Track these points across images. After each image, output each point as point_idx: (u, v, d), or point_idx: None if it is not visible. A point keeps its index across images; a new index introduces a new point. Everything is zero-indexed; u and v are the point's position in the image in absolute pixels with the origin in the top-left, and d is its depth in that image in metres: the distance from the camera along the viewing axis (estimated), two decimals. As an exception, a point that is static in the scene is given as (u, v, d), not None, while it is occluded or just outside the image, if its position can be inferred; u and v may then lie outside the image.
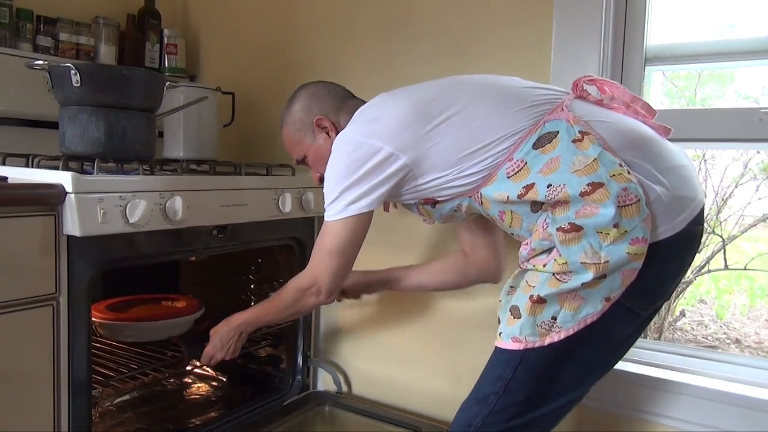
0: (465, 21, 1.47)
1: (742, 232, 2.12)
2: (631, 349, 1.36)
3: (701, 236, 1.01)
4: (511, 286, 1.05)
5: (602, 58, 1.29)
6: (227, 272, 1.82)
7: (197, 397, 1.65)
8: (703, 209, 0.99)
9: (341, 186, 1.08)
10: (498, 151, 1.01)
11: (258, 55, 1.86)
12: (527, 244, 1.02)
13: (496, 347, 1.02)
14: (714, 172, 2.13)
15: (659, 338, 2.16)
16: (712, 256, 2.12)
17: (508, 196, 1.00)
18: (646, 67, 1.34)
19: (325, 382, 1.74)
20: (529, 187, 0.98)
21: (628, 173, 0.93)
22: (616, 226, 0.91)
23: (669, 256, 0.97)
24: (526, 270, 1.03)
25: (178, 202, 1.18)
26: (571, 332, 0.95)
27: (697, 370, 1.32)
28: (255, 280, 1.78)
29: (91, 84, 1.15)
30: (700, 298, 2.33)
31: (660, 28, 1.36)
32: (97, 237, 1.07)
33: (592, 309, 0.95)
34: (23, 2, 1.55)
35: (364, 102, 1.20)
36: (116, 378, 1.42)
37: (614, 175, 0.92)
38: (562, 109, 1.01)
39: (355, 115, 1.14)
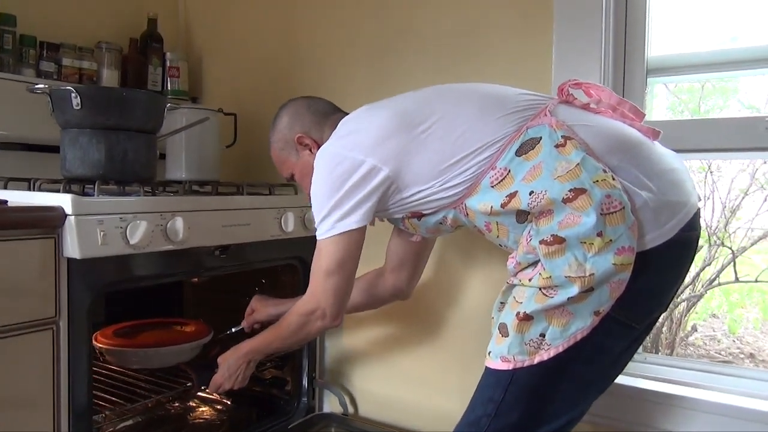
0: (465, 35, 1.48)
1: (752, 244, 2.09)
2: (643, 365, 1.35)
3: (696, 243, 0.98)
4: (501, 302, 1.04)
5: (603, 69, 1.28)
6: (231, 293, 1.80)
7: (201, 421, 1.63)
8: (697, 214, 0.96)
9: (328, 204, 1.06)
10: (481, 160, 0.99)
11: (260, 76, 1.87)
12: (513, 257, 1.00)
13: (486, 367, 0.99)
14: (721, 183, 2.11)
15: (671, 354, 2.12)
16: (722, 269, 2.10)
17: (492, 206, 0.98)
18: (648, 79, 1.34)
19: (331, 404, 1.71)
20: (512, 195, 0.95)
21: (613, 179, 0.91)
22: (600, 235, 0.88)
23: (660, 266, 0.94)
24: (514, 285, 1.00)
25: (179, 223, 1.17)
26: (561, 349, 0.92)
27: (711, 386, 1.29)
28: (259, 301, 1.76)
29: (92, 106, 1.16)
30: (711, 313, 2.29)
31: (661, 40, 1.35)
32: (98, 259, 1.06)
33: (582, 324, 0.92)
34: (26, 28, 1.57)
35: (347, 114, 1.18)
36: (120, 405, 1.40)
37: (597, 180, 0.90)
38: (545, 114, 0.99)
39: (336, 128, 1.13)
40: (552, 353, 0.92)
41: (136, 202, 1.13)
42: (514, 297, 0.98)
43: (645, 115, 1.06)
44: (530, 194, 0.93)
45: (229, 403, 1.71)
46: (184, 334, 1.57)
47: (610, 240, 0.88)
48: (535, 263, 0.96)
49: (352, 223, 1.06)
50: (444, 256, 1.54)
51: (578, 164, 0.91)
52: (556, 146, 0.94)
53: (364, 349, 1.69)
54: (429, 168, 1.02)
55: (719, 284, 2.17)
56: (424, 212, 1.08)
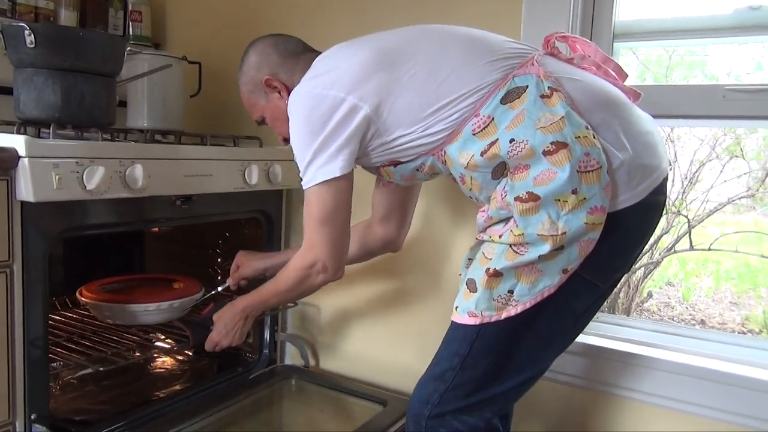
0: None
1: (708, 215, 2.15)
2: (604, 324, 1.39)
3: (663, 207, 1.00)
4: (468, 258, 1.04)
5: (571, 31, 1.28)
6: (194, 246, 1.79)
7: (162, 370, 1.63)
8: (666, 179, 0.97)
9: (310, 149, 1.02)
10: (464, 107, 0.97)
11: (227, 24, 1.81)
12: (484, 211, 1.00)
13: (452, 322, 1.00)
14: (681, 154, 2.15)
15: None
16: (679, 238, 2.16)
17: (473, 156, 0.96)
18: (615, 43, 1.34)
19: (293, 357, 1.73)
20: (493, 143, 0.94)
21: (594, 137, 0.90)
22: (574, 192, 0.88)
23: (628, 227, 0.95)
24: (483, 241, 1.01)
25: (138, 170, 1.14)
26: (528, 306, 0.94)
27: (667, 345, 1.33)
28: (222, 254, 1.75)
29: (47, 45, 1.11)
30: (667, 281, 2.37)
31: (629, 4, 1.36)
32: (53, 203, 1.04)
33: (549, 281, 0.93)
34: (-22, -38, 1.49)
35: (320, 54, 1.13)
36: (80, 353, 1.39)
37: (579, 137, 0.89)
38: (533, 64, 0.97)
39: (310, 68, 1.08)
40: (519, 309, 0.94)
41: (94, 147, 1.10)
42: (483, 253, 0.98)
43: (627, 76, 1.05)
44: (510, 142, 0.91)
45: (190, 354, 1.72)
46: (173, 291, 1.52)
47: (584, 198, 0.88)
48: (506, 219, 0.96)
49: (336, 169, 1.02)
50: (427, 214, 1.54)
51: (563, 117, 0.90)
52: (542, 96, 0.92)
53: (326, 302, 1.70)
54: (410, 112, 0.99)
55: (675, 252, 2.24)
56: (402, 160, 1.07)
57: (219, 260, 1.76)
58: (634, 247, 1.00)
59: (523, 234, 0.91)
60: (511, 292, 0.94)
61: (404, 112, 1.00)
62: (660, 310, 2.34)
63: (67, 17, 1.64)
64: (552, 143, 0.89)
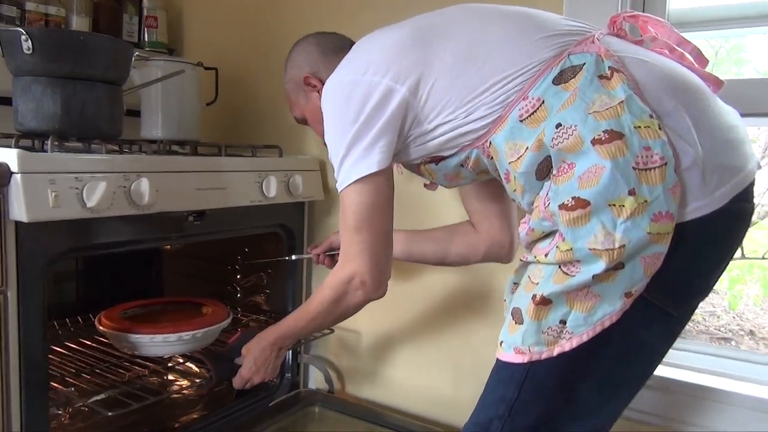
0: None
1: (760, 220, 2.00)
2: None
3: (749, 217, 0.82)
4: (514, 283, 0.90)
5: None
6: (212, 262, 1.70)
7: (178, 396, 1.54)
8: (753, 183, 0.80)
9: (343, 144, 0.91)
10: (510, 88, 0.83)
11: (246, 29, 1.72)
12: (525, 222, 0.86)
13: (497, 360, 0.86)
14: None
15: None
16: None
17: (522, 148, 0.82)
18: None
19: (316, 380, 1.62)
20: (543, 131, 0.80)
21: (659, 128, 0.75)
22: (631, 193, 0.73)
23: (706, 240, 0.79)
24: (528, 262, 0.87)
25: (144, 185, 1.05)
26: (585, 338, 0.78)
27: (735, 374, 1.17)
28: (241, 270, 1.66)
29: (45, 51, 1.02)
30: (711, 288, 2.22)
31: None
32: (49, 223, 0.95)
33: (610, 308, 0.77)
34: (-16, -32, 1.42)
35: None
36: (93, 379, 1.29)
37: (640, 126, 0.74)
38: (593, 42, 0.83)
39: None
40: (575, 343, 0.78)
41: (96, 161, 1.01)
42: (529, 277, 0.84)
43: (708, 61, 0.89)
44: (557, 127, 0.78)
45: (208, 377, 1.62)
46: (201, 317, 1.38)
47: (645, 201, 0.73)
48: (552, 233, 0.82)
49: (373, 164, 0.90)
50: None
51: (622, 102, 0.75)
52: (600, 77, 0.78)
53: (352, 322, 1.57)
54: (451, 95, 0.87)
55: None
56: (444, 154, 0.93)
57: (238, 276, 1.67)
58: (713, 266, 0.83)
59: (571, 249, 0.77)
60: (563, 322, 0.79)
61: (444, 96, 0.88)
62: (705, 319, 2.19)
63: (79, 24, 1.57)
64: (605, 131, 0.75)
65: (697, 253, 0.79)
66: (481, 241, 1.17)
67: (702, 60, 0.89)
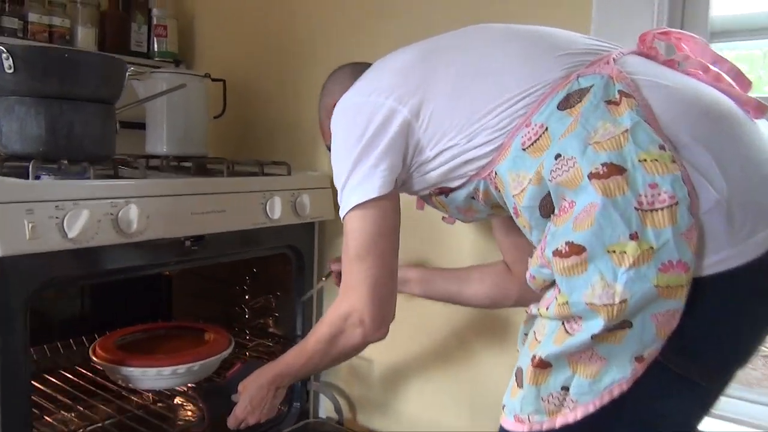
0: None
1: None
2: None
3: None
4: (524, 334, 0.80)
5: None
6: (220, 282, 1.63)
7: (181, 423, 1.47)
8: None
9: (346, 167, 0.85)
10: (514, 112, 0.75)
11: (257, 40, 1.64)
12: (528, 267, 0.77)
13: (500, 426, 0.76)
14: None
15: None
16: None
17: (524, 179, 0.73)
18: (712, 44, 1.08)
19: (326, 408, 1.53)
20: (542, 164, 0.71)
21: (672, 161, 0.64)
22: (634, 237, 0.63)
23: (739, 296, 0.67)
24: (533, 315, 0.77)
25: (132, 212, 0.98)
26: (591, 409, 0.68)
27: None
28: (250, 291, 1.58)
29: (28, 69, 0.96)
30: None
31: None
32: (26, 256, 0.88)
33: (619, 374, 0.67)
34: (-14, -22, 1.38)
35: None
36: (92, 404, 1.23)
37: (646, 160, 0.64)
38: (608, 62, 0.73)
39: None
40: (579, 414, 0.68)
41: (78, 187, 0.94)
42: (534, 332, 0.74)
43: (751, 84, 0.77)
44: (556, 158, 0.69)
45: (201, 416, 1.55)
46: (202, 346, 1.30)
47: (651, 247, 0.63)
48: (553, 282, 0.72)
49: (374, 189, 0.84)
50: (462, 256, 1.32)
51: (626, 130, 0.66)
52: (608, 102, 0.69)
53: (367, 351, 1.50)
54: (453, 118, 0.80)
55: None
56: (452, 185, 0.86)
57: (247, 297, 1.59)
58: (749, 329, 0.69)
59: (567, 303, 0.67)
60: (566, 389, 0.69)
61: (446, 119, 0.81)
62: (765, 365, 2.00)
63: (85, 35, 1.52)
64: (603, 165, 0.65)
65: (726, 311, 0.67)
66: (514, 284, 1.07)
67: (742, 81, 0.77)
